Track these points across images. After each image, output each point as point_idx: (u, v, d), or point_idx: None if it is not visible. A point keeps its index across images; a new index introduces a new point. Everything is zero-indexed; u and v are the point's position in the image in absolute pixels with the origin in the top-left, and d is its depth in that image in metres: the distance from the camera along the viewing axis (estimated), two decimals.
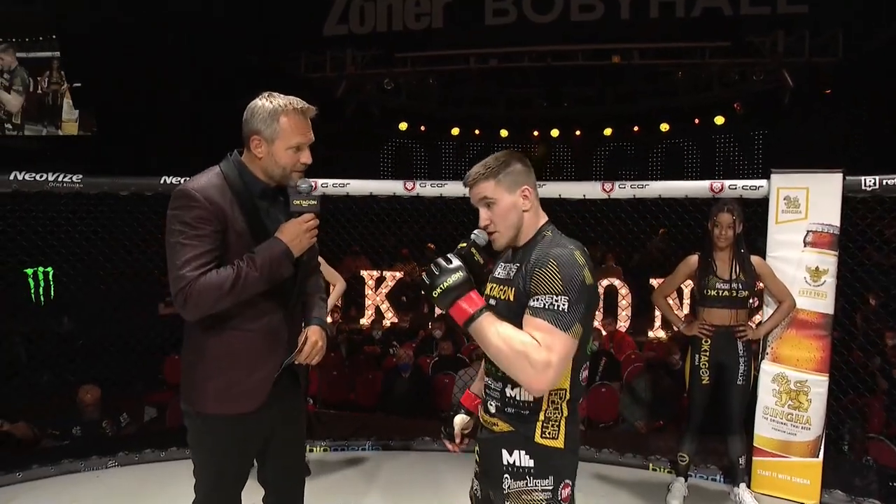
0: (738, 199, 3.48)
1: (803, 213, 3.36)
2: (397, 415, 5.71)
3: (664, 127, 12.49)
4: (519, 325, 1.56)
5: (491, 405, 1.73)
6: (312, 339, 2.00)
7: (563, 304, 1.51)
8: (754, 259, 3.33)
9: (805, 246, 3.36)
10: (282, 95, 1.90)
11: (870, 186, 3.25)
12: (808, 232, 3.35)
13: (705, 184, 3.67)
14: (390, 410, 5.92)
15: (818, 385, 3.39)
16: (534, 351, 1.49)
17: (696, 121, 11.86)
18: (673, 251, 9.34)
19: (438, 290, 1.54)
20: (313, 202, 1.89)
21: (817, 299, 3.36)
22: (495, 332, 1.52)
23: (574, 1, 9.35)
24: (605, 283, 8.76)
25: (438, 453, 4.18)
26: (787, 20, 8.81)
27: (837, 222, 3.30)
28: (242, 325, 1.87)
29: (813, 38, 8.77)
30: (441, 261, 1.57)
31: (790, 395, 3.43)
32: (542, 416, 1.64)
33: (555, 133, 13.61)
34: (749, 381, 3.34)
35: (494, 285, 1.75)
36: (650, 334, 8.71)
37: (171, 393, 6.02)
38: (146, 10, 8.96)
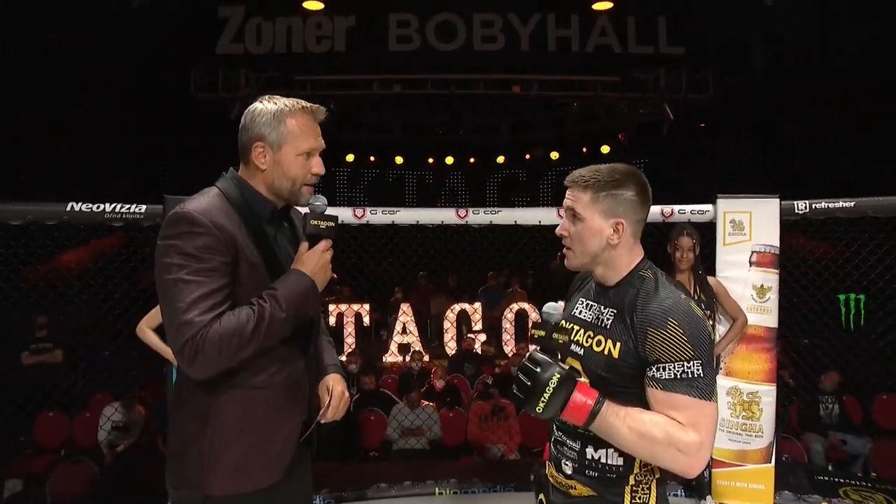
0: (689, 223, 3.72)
1: (748, 234, 3.66)
2: (324, 459, 5.36)
3: (554, 155, 13.27)
4: (624, 385, 1.41)
5: (566, 466, 1.53)
6: (339, 391, 1.73)
7: (697, 370, 1.34)
8: (710, 279, 3.57)
9: (751, 266, 3.65)
10: (284, 97, 1.64)
11: (801, 210, 3.62)
12: (752, 252, 3.65)
13: (656, 208, 3.88)
14: (314, 455, 5.56)
15: (768, 394, 3.67)
16: (680, 435, 1.33)
17: (584, 150, 12.73)
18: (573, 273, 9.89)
19: (542, 405, 1.33)
20: (331, 224, 1.63)
21: (763, 315, 3.66)
22: (626, 427, 1.34)
23: (476, 31, 9.70)
24: (515, 307, 8.97)
25: (397, 500, 3.96)
26: (667, 59, 9.82)
27: (777, 242, 3.63)
28: (259, 379, 1.55)
29: (689, 76, 9.85)
30: (527, 365, 1.35)
31: (744, 407, 3.68)
32: (632, 480, 1.46)
33: (449, 160, 13.95)
34: None
35: (579, 328, 1.54)
36: None
37: (48, 458, 5.19)
38: None
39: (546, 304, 1.47)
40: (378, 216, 4.00)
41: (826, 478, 4.15)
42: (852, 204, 3.51)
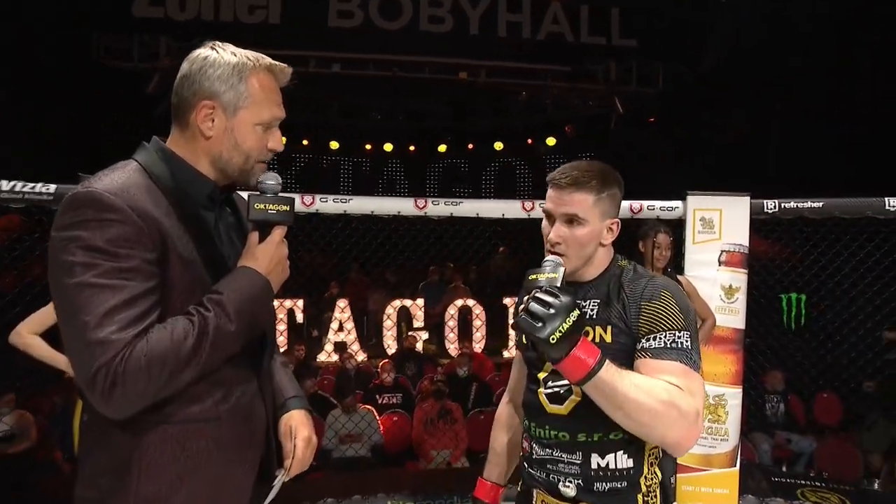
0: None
1: (717, 233, 3.69)
2: None
3: (498, 145, 13.28)
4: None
5: (567, 486, 1.46)
6: (305, 435, 1.42)
7: (687, 341, 1.38)
8: (681, 279, 3.57)
9: (720, 265, 3.69)
10: (240, 48, 1.32)
11: (771, 210, 3.69)
12: (722, 251, 3.68)
13: (625, 204, 3.85)
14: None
15: (734, 397, 3.73)
16: (682, 398, 1.29)
17: (530, 141, 12.80)
18: (517, 268, 9.92)
19: (557, 336, 1.21)
20: (285, 207, 1.31)
21: (731, 315, 3.71)
22: (630, 384, 1.28)
23: (423, 11, 9.51)
24: (458, 303, 8.90)
25: None
26: (618, 52, 9.99)
27: (747, 242, 3.68)
28: (197, 409, 1.24)
29: (639, 69, 10.06)
30: (546, 296, 1.24)
31: (710, 410, 3.72)
32: (643, 487, 1.46)
33: (388, 147, 13.69)
34: None
35: None
36: (505, 354, 9.03)
37: None
38: None
39: (551, 257, 1.43)
40: (329, 205, 3.79)
41: (783, 479, 4.29)
42: (821, 204, 3.60)
